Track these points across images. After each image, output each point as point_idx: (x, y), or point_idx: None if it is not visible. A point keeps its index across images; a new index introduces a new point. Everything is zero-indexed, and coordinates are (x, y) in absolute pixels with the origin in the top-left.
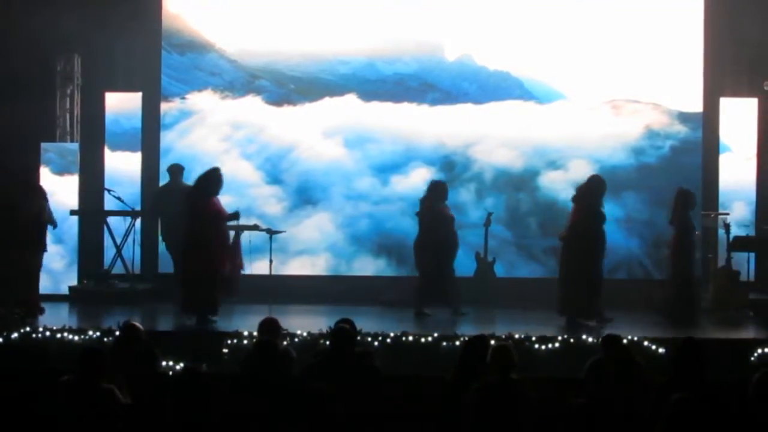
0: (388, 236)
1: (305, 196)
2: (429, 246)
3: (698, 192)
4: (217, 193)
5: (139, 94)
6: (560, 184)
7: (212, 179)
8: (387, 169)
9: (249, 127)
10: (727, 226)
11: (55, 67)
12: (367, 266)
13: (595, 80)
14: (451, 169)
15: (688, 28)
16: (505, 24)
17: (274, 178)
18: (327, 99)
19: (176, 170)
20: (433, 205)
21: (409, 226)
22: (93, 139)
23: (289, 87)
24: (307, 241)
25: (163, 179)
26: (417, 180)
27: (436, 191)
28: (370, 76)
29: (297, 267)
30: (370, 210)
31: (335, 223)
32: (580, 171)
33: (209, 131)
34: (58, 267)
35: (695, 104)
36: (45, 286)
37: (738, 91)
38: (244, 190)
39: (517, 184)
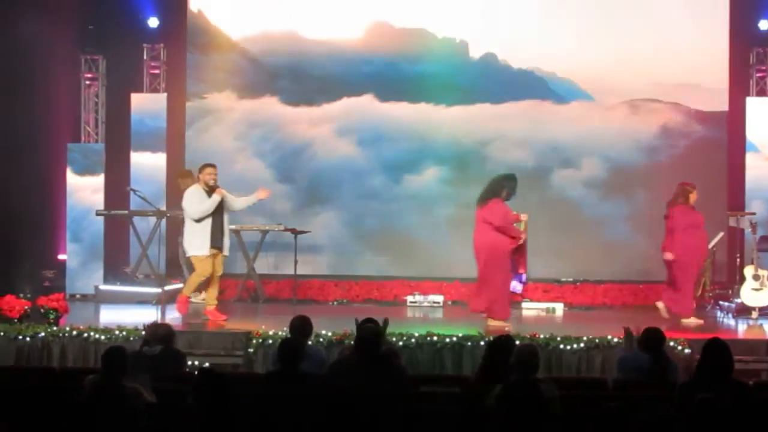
0: (397, 235)
1: (315, 194)
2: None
3: (723, 192)
4: (506, 197)
5: (164, 95)
6: (572, 182)
7: (509, 184)
8: (400, 167)
9: (265, 126)
10: (753, 226)
11: (81, 68)
12: (372, 265)
13: (619, 79)
14: (465, 168)
15: (713, 28)
16: (529, 23)
17: (286, 176)
18: (345, 99)
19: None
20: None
21: (417, 225)
22: (118, 139)
23: (309, 87)
24: (314, 238)
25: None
26: (429, 178)
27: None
28: (393, 75)
29: (302, 264)
30: (380, 208)
31: (343, 221)
32: (593, 169)
33: (226, 130)
34: (72, 265)
35: (718, 104)
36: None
37: (764, 90)
38: (255, 188)
39: (530, 183)
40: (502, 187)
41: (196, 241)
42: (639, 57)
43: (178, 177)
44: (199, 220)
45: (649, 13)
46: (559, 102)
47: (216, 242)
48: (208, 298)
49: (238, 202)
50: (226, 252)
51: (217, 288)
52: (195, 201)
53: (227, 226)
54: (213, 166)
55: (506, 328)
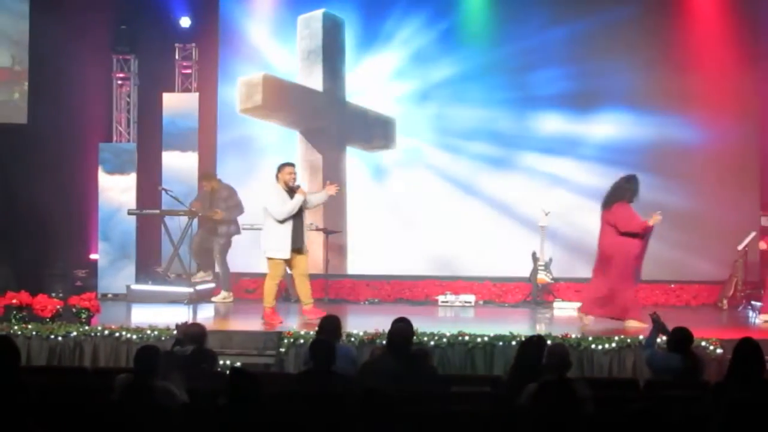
0: (428, 234)
1: (346, 193)
2: None
3: (755, 192)
4: (630, 199)
5: (196, 95)
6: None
7: (632, 186)
8: (432, 167)
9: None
10: None
11: (113, 68)
12: (403, 264)
13: (652, 78)
14: (497, 170)
15: (745, 27)
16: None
17: (318, 175)
18: (375, 95)
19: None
20: None
21: (448, 225)
22: (150, 139)
23: (340, 84)
24: (345, 237)
25: (221, 178)
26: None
27: None
28: (422, 79)
29: (333, 264)
30: (410, 208)
31: (374, 220)
32: (625, 170)
33: (257, 130)
34: (102, 264)
35: (751, 103)
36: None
37: None
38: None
39: (563, 183)
40: (626, 189)
41: (275, 243)
42: (672, 55)
43: (202, 179)
44: (282, 222)
45: (683, 12)
46: (591, 106)
47: (297, 243)
48: (304, 298)
49: (312, 200)
50: (305, 251)
51: (308, 286)
52: (278, 201)
53: (306, 226)
54: (291, 165)
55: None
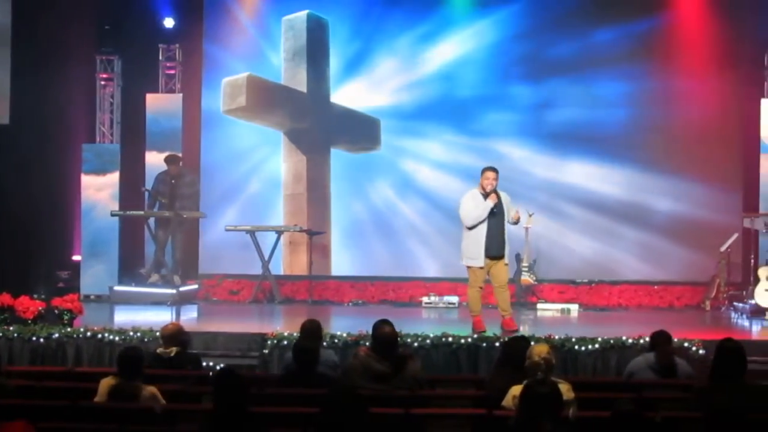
0: (412, 236)
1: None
2: None
3: (738, 193)
4: None
5: (180, 95)
6: (589, 183)
7: None
8: (417, 166)
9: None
10: None
11: (96, 68)
12: (388, 265)
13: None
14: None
15: (728, 31)
16: None
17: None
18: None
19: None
20: None
21: (433, 226)
22: (133, 140)
23: (325, 84)
24: (329, 238)
25: (206, 178)
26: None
27: None
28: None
29: (317, 265)
30: (396, 209)
31: (360, 221)
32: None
33: (241, 130)
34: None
35: (733, 105)
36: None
37: None
38: (272, 187)
39: (543, 184)
40: None
41: (471, 251)
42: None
43: (170, 163)
44: (472, 228)
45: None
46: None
47: (491, 251)
48: (502, 309)
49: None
50: (506, 260)
51: (506, 297)
52: (471, 206)
53: (507, 232)
54: (492, 170)
55: None
